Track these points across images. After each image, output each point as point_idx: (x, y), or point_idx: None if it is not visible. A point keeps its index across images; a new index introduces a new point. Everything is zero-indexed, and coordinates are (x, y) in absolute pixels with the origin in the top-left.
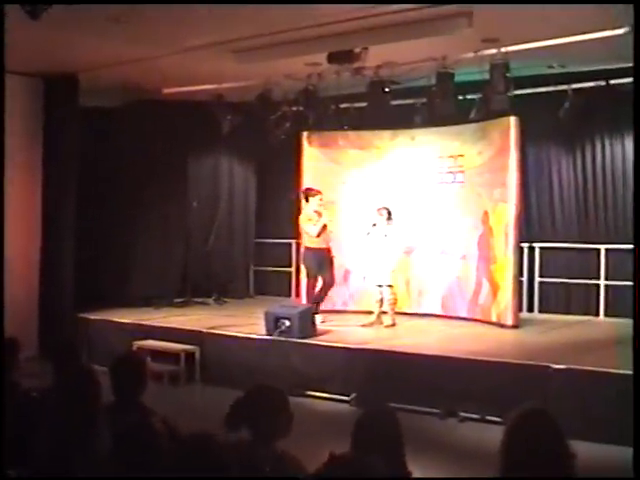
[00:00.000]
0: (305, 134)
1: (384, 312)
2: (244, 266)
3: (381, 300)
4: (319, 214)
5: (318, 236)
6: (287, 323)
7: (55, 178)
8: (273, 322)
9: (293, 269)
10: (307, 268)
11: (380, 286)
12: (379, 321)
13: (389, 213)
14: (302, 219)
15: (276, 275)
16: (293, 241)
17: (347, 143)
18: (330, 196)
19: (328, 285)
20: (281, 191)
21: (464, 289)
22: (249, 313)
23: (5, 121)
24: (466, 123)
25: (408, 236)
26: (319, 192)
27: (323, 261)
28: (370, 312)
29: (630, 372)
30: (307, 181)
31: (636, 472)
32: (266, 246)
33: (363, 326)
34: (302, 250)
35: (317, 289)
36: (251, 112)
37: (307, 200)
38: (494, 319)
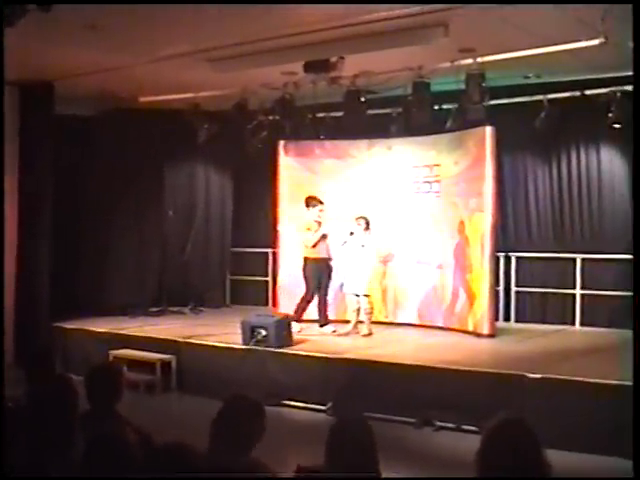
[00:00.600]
0: (282, 143)
1: (361, 321)
2: (220, 275)
3: (358, 309)
4: (319, 224)
5: (314, 246)
6: (263, 332)
7: (31, 186)
8: (249, 331)
9: (270, 278)
10: (306, 280)
11: (357, 295)
12: (356, 330)
13: (367, 223)
14: (300, 227)
15: (253, 284)
16: (269, 250)
17: (323, 152)
18: (301, 207)
19: (322, 297)
20: (258, 200)
21: (441, 298)
22: (225, 322)
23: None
24: (442, 133)
25: (385, 245)
26: (321, 202)
27: (323, 272)
28: (347, 321)
29: (606, 381)
30: (283, 190)
31: (636, 472)
32: (243, 255)
33: (340, 335)
34: (302, 261)
35: (303, 298)
36: (228, 121)
37: (308, 208)
38: (470, 328)
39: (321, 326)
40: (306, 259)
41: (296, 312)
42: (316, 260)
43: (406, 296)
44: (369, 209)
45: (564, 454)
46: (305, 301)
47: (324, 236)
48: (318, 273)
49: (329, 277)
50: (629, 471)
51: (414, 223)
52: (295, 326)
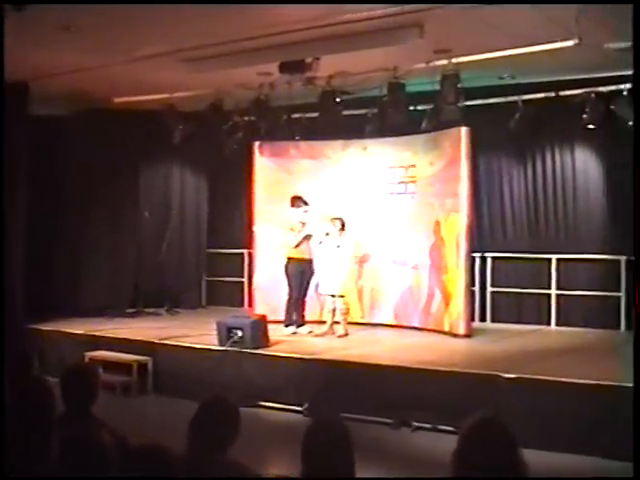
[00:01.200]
0: (257, 144)
1: (336, 322)
2: (196, 276)
3: (333, 310)
4: (302, 224)
5: (297, 247)
6: (239, 333)
7: (4, 187)
8: (225, 332)
9: (245, 279)
10: (289, 279)
11: (332, 296)
12: (331, 331)
13: (342, 224)
14: (284, 227)
15: (228, 285)
16: (245, 251)
17: (299, 153)
18: (281, 206)
19: (301, 297)
20: (233, 201)
21: (416, 299)
22: (201, 323)
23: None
24: (417, 134)
25: (361, 246)
26: (306, 203)
27: (305, 273)
28: (323, 322)
29: (583, 381)
30: (259, 191)
31: (636, 472)
32: (218, 256)
33: (316, 336)
34: (285, 261)
35: (289, 299)
36: (203, 121)
37: (292, 208)
38: (446, 329)
39: (298, 327)
40: (289, 259)
41: (287, 312)
42: (299, 260)
43: (382, 296)
44: (344, 210)
45: (541, 453)
46: (292, 302)
47: (307, 237)
48: (300, 273)
49: (310, 278)
50: (608, 471)
51: (390, 224)
52: (303, 329)
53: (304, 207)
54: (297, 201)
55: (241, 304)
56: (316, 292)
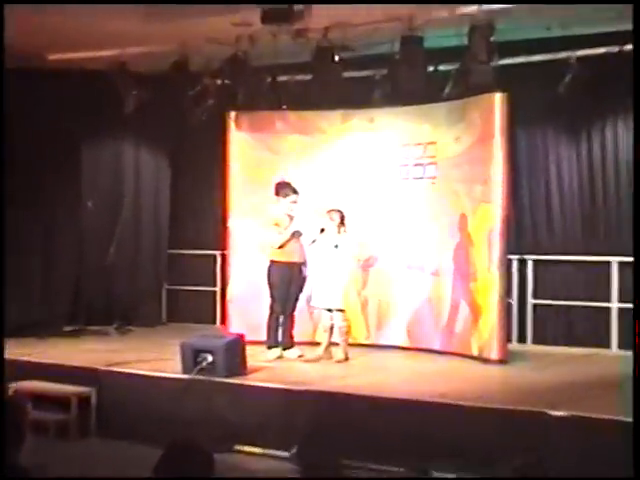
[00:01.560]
0: (232, 115)
1: (334, 343)
2: (155, 284)
3: (330, 328)
4: (290, 218)
5: (283, 246)
6: (210, 358)
7: None
8: (192, 357)
9: (218, 288)
10: (271, 288)
11: (329, 310)
12: (328, 355)
13: (342, 217)
14: (266, 222)
15: (196, 296)
16: (218, 252)
17: (286, 126)
18: (264, 195)
19: (293, 315)
20: (203, 188)
21: (437, 314)
22: (161, 345)
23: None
24: (439, 101)
25: (365, 246)
26: (295, 191)
27: (293, 280)
28: (316, 343)
29: None
30: (236, 175)
31: (636, 472)
32: (183, 259)
33: (307, 361)
34: (267, 265)
35: (271, 314)
36: (163, 85)
37: (277, 197)
38: (475, 352)
39: (284, 349)
40: (272, 262)
41: (271, 331)
42: (286, 264)
43: (392, 311)
44: (345, 199)
45: None
46: (276, 317)
47: (297, 234)
48: (287, 281)
49: (300, 288)
50: None
51: (403, 217)
52: (292, 353)
53: (292, 196)
54: (284, 188)
55: (212, 320)
56: (308, 305)
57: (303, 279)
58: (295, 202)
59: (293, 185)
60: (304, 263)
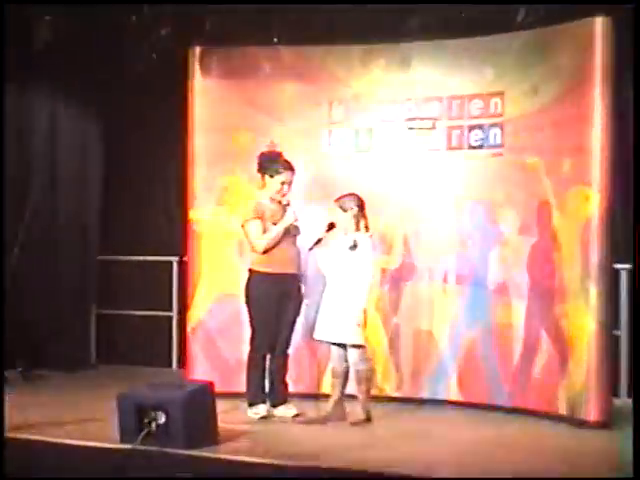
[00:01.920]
0: (197, 52)
1: (350, 396)
2: (79, 307)
3: (344, 373)
4: (282, 208)
5: (268, 251)
6: (162, 419)
7: None
8: (135, 417)
9: (174, 313)
10: (251, 314)
11: (341, 346)
12: (340, 413)
13: (360, 206)
14: (245, 213)
15: (141, 324)
16: (174, 259)
17: (278, 70)
18: (243, 172)
19: (285, 355)
20: (150, 163)
21: (503, 352)
22: (88, 399)
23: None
24: (508, 31)
25: (396, 250)
26: (289, 167)
27: (284, 300)
28: (323, 396)
29: None
30: (199, 143)
31: (636, 471)
32: (121, 269)
33: (309, 423)
34: (248, 278)
35: (274, 358)
36: (91, 8)
37: (263, 176)
38: (563, 410)
39: (274, 405)
40: (252, 274)
41: (253, 378)
42: (272, 277)
43: (436, 347)
44: (365, 182)
45: None
46: (259, 357)
47: (291, 231)
48: (274, 301)
49: (296, 312)
50: None
51: (450, 207)
52: (285, 410)
53: (285, 174)
54: (272, 162)
55: (165, 361)
56: (310, 339)
57: (300, 299)
58: (289, 183)
59: (285, 158)
60: (301, 275)
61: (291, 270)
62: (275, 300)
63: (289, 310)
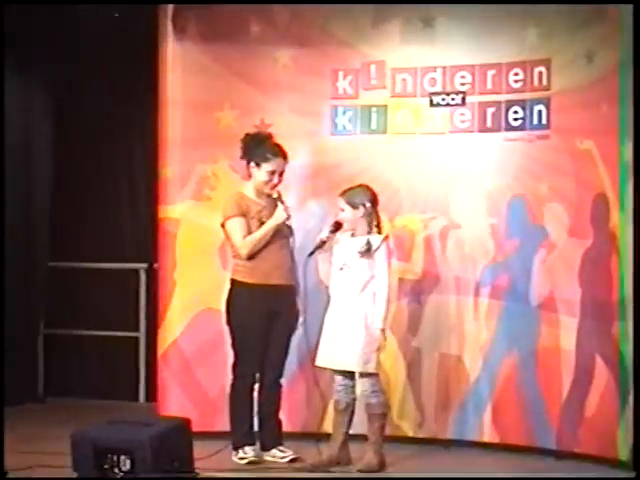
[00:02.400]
0: (169, 10)
1: (359, 436)
2: (23, 326)
3: (351, 408)
4: (271, 201)
5: (253, 256)
6: (127, 464)
7: None
8: (93, 461)
9: (142, 333)
10: (234, 336)
11: (347, 375)
12: (345, 456)
13: (372, 201)
14: (226, 209)
15: (101, 348)
16: (142, 266)
17: (271, 33)
18: (233, 157)
19: (277, 383)
20: (111, 148)
21: (548, 382)
22: (34, 439)
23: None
24: None
25: (413, 255)
26: (283, 154)
27: (274, 319)
28: (325, 435)
29: None
30: (174, 122)
31: (636, 471)
32: (76, 278)
33: (307, 470)
34: (229, 289)
35: (264, 389)
36: None
37: (248, 164)
38: (624, 456)
39: (265, 449)
40: (234, 284)
41: (237, 415)
42: (257, 289)
43: (465, 377)
44: (375, 171)
45: None
46: (244, 389)
47: (283, 230)
48: (261, 318)
49: (289, 330)
50: None
51: (482, 202)
52: (278, 454)
53: (274, 161)
54: (260, 147)
55: (131, 394)
56: (310, 365)
57: (294, 316)
58: (279, 173)
59: (276, 141)
60: (295, 287)
61: (281, 281)
62: (261, 317)
63: (279, 330)
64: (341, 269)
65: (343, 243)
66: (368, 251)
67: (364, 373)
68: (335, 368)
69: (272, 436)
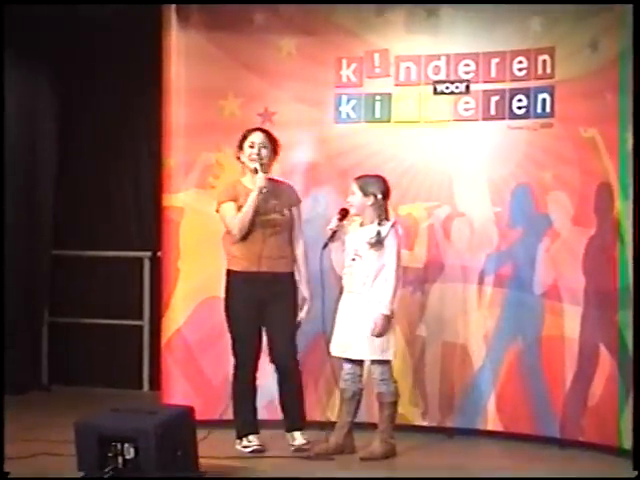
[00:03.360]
0: (172, 8)
1: (365, 424)
2: (27, 314)
3: (354, 395)
4: (264, 182)
5: (245, 237)
6: (131, 452)
7: None
8: (97, 450)
9: (146, 321)
10: (232, 327)
11: (356, 363)
12: (348, 444)
13: (384, 193)
14: (219, 195)
15: (105, 336)
16: (146, 255)
17: (275, 22)
18: (226, 147)
19: (289, 369)
20: (115, 135)
21: (552, 371)
22: (38, 427)
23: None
24: None
25: (417, 243)
26: (254, 128)
27: (268, 305)
28: (330, 424)
29: None
30: (178, 111)
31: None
32: (80, 266)
33: (312, 457)
34: (226, 279)
35: (279, 376)
36: None
37: (237, 152)
38: (628, 444)
39: (290, 431)
40: (228, 274)
41: (240, 404)
42: (245, 276)
43: (469, 365)
44: (379, 159)
45: None
46: (245, 379)
47: (277, 219)
48: (251, 306)
49: (288, 313)
50: None
51: (487, 189)
52: (252, 440)
53: (252, 135)
54: (242, 136)
55: (135, 382)
56: (316, 353)
57: (291, 301)
58: (260, 144)
59: (264, 128)
60: (290, 275)
61: (271, 269)
62: (250, 305)
63: (276, 317)
64: (353, 259)
65: (353, 233)
66: (379, 242)
67: (377, 360)
68: (351, 357)
69: (289, 420)
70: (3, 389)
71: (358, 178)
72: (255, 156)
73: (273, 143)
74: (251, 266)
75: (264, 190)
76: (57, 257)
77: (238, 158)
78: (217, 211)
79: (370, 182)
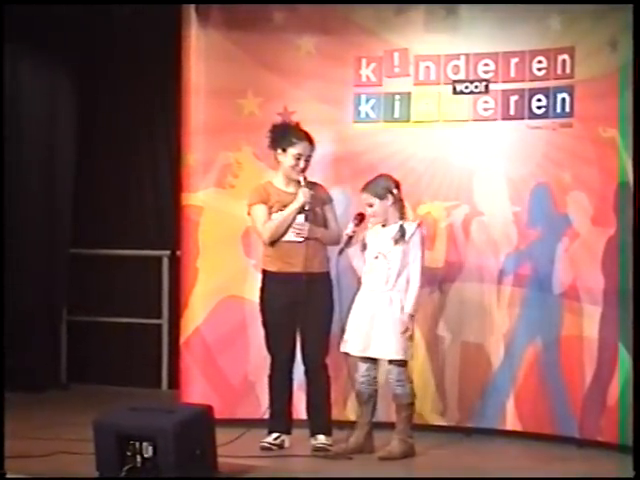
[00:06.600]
0: (192, 7)
1: (384, 424)
2: (46, 313)
3: (370, 397)
4: (296, 186)
5: (272, 243)
6: (149, 451)
7: None
8: (116, 448)
9: (165, 320)
10: (266, 326)
11: (373, 363)
12: (368, 444)
13: (397, 187)
14: (250, 197)
15: (123, 336)
16: (164, 253)
17: (294, 21)
18: (257, 144)
19: (317, 372)
20: (134, 135)
21: (571, 370)
22: (57, 426)
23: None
24: None
25: (436, 243)
26: (306, 136)
27: (301, 305)
28: (349, 423)
29: None
30: (198, 109)
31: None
32: (98, 265)
33: (331, 457)
34: (261, 280)
35: (307, 378)
36: None
37: (276, 153)
38: None
39: (311, 435)
40: (264, 274)
41: (275, 403)
42: (280, 277)
43: (487, 365)
44: (398, 158)
45: None
46: (280, 377)
47: (308, 216)
48: (285, 306)
49: (321, 315)
50: None
51: (506, 189)
52: (268, 438)
53: (300, 145)
54: (285, 133)
55: (154, 381)
56: (335, 351)
57: (327, 303)
58: (306, 157)
59: (302, 128)
60: (325, 275)
61: (304, 269)
62: (283, 305)
63: (308, 318)
64: (376, 258)
65: (376, 233)
66: (402, 237)
67: (394, 360)
68: (372, 356)
69: (314, 424)
70: (3, 389)
71: (365, 188)
72: (301, 168)
73: (313, 150)
74: (285, 267)
75: (307, 207)
76: (76, 256)
77: (275, 151)
78: (249, 213)
79: (378, 184)
